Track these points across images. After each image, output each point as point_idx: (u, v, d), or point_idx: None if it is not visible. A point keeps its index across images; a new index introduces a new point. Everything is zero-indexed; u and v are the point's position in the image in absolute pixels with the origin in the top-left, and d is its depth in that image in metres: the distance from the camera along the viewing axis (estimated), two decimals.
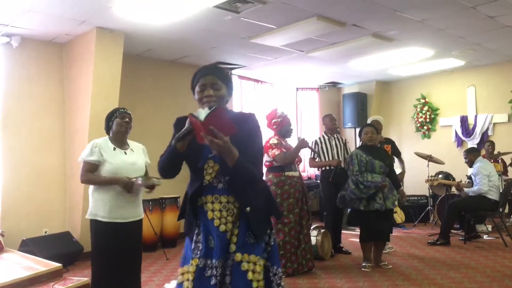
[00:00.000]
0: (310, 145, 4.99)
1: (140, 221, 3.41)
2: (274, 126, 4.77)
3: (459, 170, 7.41)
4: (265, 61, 7.16)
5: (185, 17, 4.87)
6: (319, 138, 5.79)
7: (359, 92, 9.19)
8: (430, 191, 7.68)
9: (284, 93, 9.21)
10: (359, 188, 4.62)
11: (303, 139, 4.68)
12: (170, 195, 6.41)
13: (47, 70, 5.76)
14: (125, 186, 3.16)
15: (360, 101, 9.05)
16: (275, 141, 4.65)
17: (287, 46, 6.22)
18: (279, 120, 4.76)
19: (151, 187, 3.24)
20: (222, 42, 6.03)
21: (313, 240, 5.16)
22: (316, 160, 5.70)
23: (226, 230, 2.02)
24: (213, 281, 1.95)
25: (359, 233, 4.97)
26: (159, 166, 2.17)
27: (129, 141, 3.45)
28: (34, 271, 4.07)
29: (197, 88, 2.15)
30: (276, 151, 4.58)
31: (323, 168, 5.70)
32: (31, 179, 5.53)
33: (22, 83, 5.53)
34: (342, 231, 5.91)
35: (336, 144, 5.73)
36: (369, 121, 5.68)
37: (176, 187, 6.69)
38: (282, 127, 4.76)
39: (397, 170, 5.66)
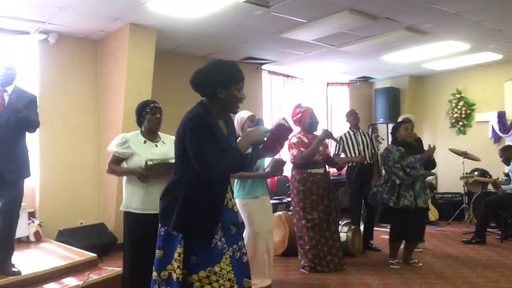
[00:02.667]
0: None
1: None
2: (297, 123, 4.74)
3: (496, 167, 7.16)
4: (296, 56, 7.12)
5: (215, 12, 4.90)
6: (344, 134, 5.72)
7: (391, 87, 9.02)
8: (465, 188, 7.46)
9: (315, 89, 9.14)
10: (406, 172, 4.50)
11: (326, 130, 4.62)
12: None
13: (82, 66, 5.92)
14: (139, 175, 3.21)
15: (393, 96, 8.87)
16: (294, 140, 4.62)
17: (317, 40, 6.16)
18: (299, 116, 4.73)
19: (167, 167, 3.27)
20: (252, 37, 6.04)
21: (344, 236, 5.12)
22: (341, 156, 5.64)
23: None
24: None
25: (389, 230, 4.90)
26: (229, 168, 2.21)
27: (160, 134, 3.50)
28: (70, 261, 4.22)
29: (240, 86, 2.23)
30: (294, 151, 4.57)
31: (349, 165, 5.64)
32: (67, 172, 5.71)
33: (58, 79, 5.70)
34: (374, 228, 5.83)
35: (362, 140, 5.65)
36: (400, 119, 5.56)
37: None
38: (304, 122, 4.71)
39: None
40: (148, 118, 3.39)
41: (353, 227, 5.30)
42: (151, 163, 3.17)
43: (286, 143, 4.39)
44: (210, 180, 2.14)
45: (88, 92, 5.96)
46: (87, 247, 4.67)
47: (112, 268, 4.23)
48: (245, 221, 3.99)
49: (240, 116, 4.07)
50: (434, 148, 4.64)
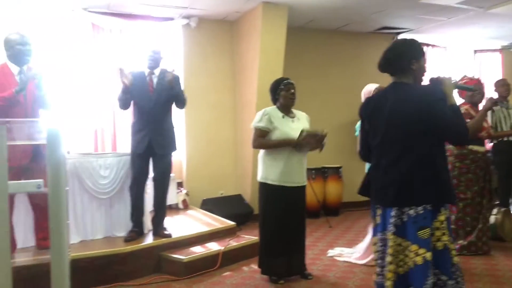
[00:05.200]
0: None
1: (304, 187, 3.54)
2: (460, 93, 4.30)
3: None
4: (437, 23, 6.53)
5: None
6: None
7: None
8: None
9: (460, 57, 8.31)
10: None
11: (490, 98, 4.12)
12: (332, 164, 6.47)
13: (220, 47, 6.28)
14: (296, 145, 3.30)
15: None
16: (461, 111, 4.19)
17: (463, 3, 5.55)
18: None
19: (317, 139, 3.31)
20: (387, 6, 5.70)
21: (492, 219, 4.64)
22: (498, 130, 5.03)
23: None
24: None
25: None
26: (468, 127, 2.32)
27: (293, 110, 3.57)
28: (212, 227, 4.60)
29: (424, 57, 2.36)
30: None
31: (500, 140, 5.01)
32: (208, 147, 6.19)
33: (198, 60, 6.15)
34: None
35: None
36: None
37: (338, 157, 6.73)
38: (466, 94, 4.25)
39: None
40: (282, 94, 3.48)
41: (503, 209, 4.77)
42: (306, 132, 3.28)
43: None
44: (464, 143, 2.22)
45: (225, 72, 6.32)
46: (227, 216, 5.03)
47: (250, 237, 4.50)
48: None
49: (367, 89, 3.93)
50: None
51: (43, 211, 3.10)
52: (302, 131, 3.30)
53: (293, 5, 5.55)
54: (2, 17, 5.00)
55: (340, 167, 6.47)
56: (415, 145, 2.17)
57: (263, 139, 3.46)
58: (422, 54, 2.31)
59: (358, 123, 3.92)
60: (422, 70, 2.31)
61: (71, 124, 5.33)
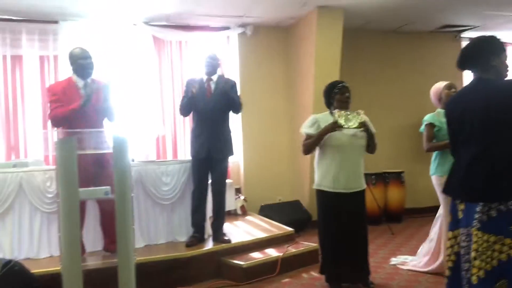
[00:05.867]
0: None
1: (362, 192, 3.44)
2: None
3: None
4: (506, 18, 6.16)
5: None
6: None
7: None
8: None
9: None
10: None
11: None
12: (393, 169, 6.28)
13: (275, 54, 6.32)
14: (330, 128, 3.23)
15: None
16: None
17: None
18: None
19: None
20: (451, 2, 5.45)
21: None
22: None
23: None
24: None
25: None
26: None
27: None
28: (270, 233, 4.60)
29: (505, 53, 2.33)
30: None
31: None
32: (266, 153, 6.22)
33: (254, 67, 6.22)
34: None
35: None
36: None
37: (399, 161, 6.52)
38: None
39: None
40: (337, 98, 3.42)
41: None
42: (341, 113, 3.21)
43: None
44: None
45: (281, 78, 6.34)
46: (285, 222, 5.01)
47: (309, 243, 4.46)
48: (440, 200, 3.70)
49: (436, 87, 3.81)
50: None
51: (110, 216, 3.26)
52: (334, 114, 3.24)
53: (349, 8, 5.46)
54: (69, 34, 5.34)
55: (402, 172, 6.25)
56: (504, 139, 2.12)
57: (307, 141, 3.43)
58: (502, 50, 2.30)
59: (426, 116, 3.78)
60: (504, 66, 2.29)
61: (135, 133, 5.56)
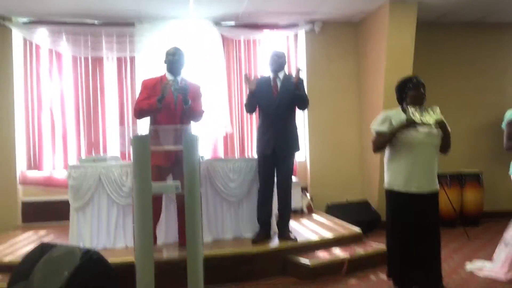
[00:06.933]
0: None
1: (436, 193, 3.26)
2: None
3: None
4: None
5: None
6: None
7: None
8: None
9: None
10: None
11: None
12: (470, 169, 5.92)
13: (344, 50, 6.19)
14: (405, 126, 3.07)
15: None
16: None
17: None
18: None
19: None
20: None
21: None
22: None
23: None
24: None
25: None
26: None
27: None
28: (337, 233, 4.53)
29: None
30: None
31: None
32: (333, 151, 6.12)
33: (322, 63, 6.13)
34: None
35: None
36: None
37: (477, 161, 6.14)
38: None
39: None
40: (411, 94, 3.24)
41: None
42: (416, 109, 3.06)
43: None
44: None
45: (349, 74, 6.20)
46: (352, 222, 4.90)
47: (377, 244, 4.33)
48: None
49: None
50: None
51: (183, 211, 3.39)
52: (408, 110, 3.07)
53: (423, 0, 5.21)
54: (144, 36, 5.61)
55: (480, 173, 5.87)
56: None
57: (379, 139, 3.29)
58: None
59: (508, 112, 3.51)
60: None
61: (204, 131, 5.72)
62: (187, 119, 3.90)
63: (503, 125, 3.52)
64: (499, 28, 6.41)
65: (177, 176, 3.73)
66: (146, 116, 3.87)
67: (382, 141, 3.25)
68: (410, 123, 3.06)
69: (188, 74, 4.68)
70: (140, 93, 3.91)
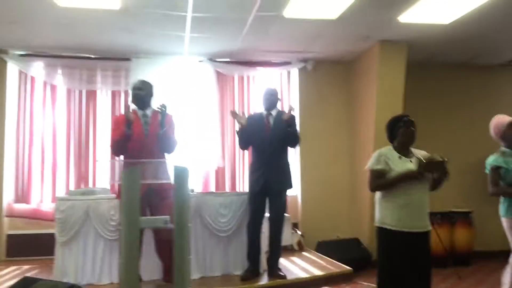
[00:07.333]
0: None
1: (428, 233, 3.24)
2: None
3: None
4: None
5: (477, 8, 4.33)
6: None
7: None
8: None
9: None
10: None
11: None
12: (461, 208, 5.92)
13: (335, 89, 6.31)
14: (415, 174, 3.07)
15: None
16: None
17: None
18: None
19: (438, 165, 3.04)
20: None
21: None
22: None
23: None
24: None
25: None
26: None
27: (412, 149, 3.35)
28: (327, 271, 4.46)
29: None
30: None
31: None
32: (324, 188, 6.11)
33: (314, 101, 6.23)
34: None
35: None
36: None
37: (467, 200, 6.15)
38: None
39: None
40: (401, 132, 3.28)
41: None
42: (425, 161, 3.06)
43: None
44: None
45: (341, 112, 6.29)
46: (343, 260, 4.84)
47: (367, 284, 4.26)
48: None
49: (499, 121, 3.62)
50: None
51: (167, 245, 3.31)
52: (420, 160, 3.05)
53: (413, 42, 5.37)
54: (140, 70, 5.68)
55: (470, 212, 5.88)
56: None
57: (380, 179, 3.29)
58: None
59: (490, 158, 3.55)
60: None
61: (195, 164, 5.71)
62: (161, 149, 3.84)
63: (487, 171, 3.56)
64: (486, 69, 6.58)
65: (156, 208, 3.68)
66: (121, 148, 3.78)
67: (384, 184, 3.24)
68: (420, 174, 3.07)
69: (178, 107, 4.71)
70: (112, 130, 3.92)
